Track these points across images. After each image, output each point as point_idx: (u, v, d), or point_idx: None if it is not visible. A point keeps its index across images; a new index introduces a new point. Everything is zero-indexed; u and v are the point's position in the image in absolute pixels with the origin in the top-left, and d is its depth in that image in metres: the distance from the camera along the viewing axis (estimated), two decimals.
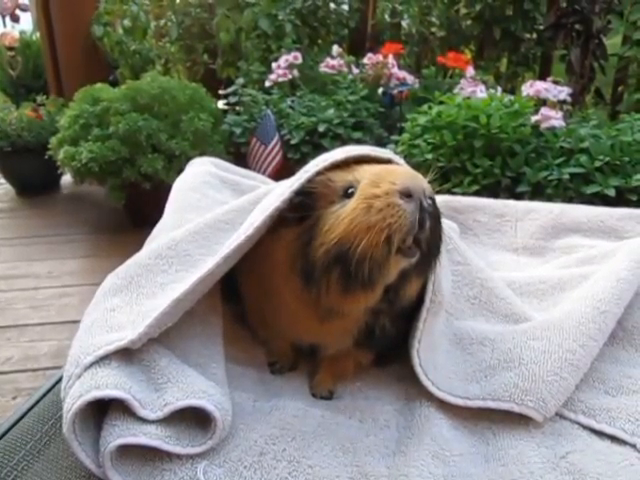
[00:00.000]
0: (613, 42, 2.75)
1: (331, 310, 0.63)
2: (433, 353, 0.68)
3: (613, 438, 0.61)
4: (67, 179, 3.39)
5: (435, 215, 0.60)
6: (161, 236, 0.81)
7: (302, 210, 0.62)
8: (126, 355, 0.59)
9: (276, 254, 0.66)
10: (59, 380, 0.70)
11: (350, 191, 0.61)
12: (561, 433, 0.62)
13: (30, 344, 1.99)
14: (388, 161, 0.66)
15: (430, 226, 0.58)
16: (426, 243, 0.59)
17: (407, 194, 0.57)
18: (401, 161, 0.68)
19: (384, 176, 0.60)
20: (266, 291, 0.70)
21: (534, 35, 2.96)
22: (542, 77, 2.62)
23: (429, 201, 0.59)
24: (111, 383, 0.54)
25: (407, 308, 0.66)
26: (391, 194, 0.57)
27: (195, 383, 0.58)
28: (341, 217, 0.59)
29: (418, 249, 0.59)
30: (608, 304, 0.69)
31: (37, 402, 0.69)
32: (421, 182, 0.59)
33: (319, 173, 0.63)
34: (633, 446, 0.59)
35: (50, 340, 2.01)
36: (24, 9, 3.67)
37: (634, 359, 0.71)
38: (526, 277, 0.86)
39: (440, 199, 1.10)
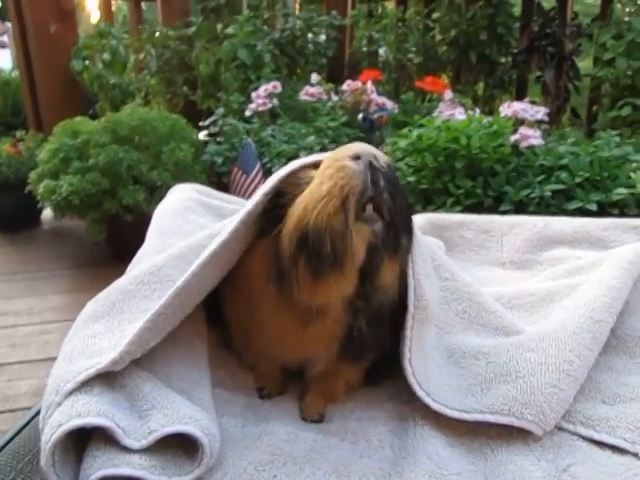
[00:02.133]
0: (585, 64, 2.82)
1: (309, 309, 0.60)
2: (425, 365, 0.66)
3: (614, 448, 0.59)
4: (47, 214, 3.34)
5: (391, 178, 0.58)
6: (143, 262, 0.79)
7: (277, 216, 0.61)
8: (108, 381, 0.57)
9: (254, 266, 0.65)
10: (36, 414, 0.67)
11: None
12: (561, 445, 0.60)
13: (8, 384, 1.93)
14: None
15: (388, 190, 0.57)
16: (388, 211, 0.57)
17: (355, 157, 0.57)
18: None
19: (338, 152, 0.60)
20: (249, 309, 0.68)
21: (509, 59, 3.02)
22: (519, 99, 2.67)
23: (383, 164, 0.58)
24: (93, 410, 0.52)
25: (387, 308, 0.63)
26: (340, 159, 0.58)
27: (181, 408, 0.56)
28: (298, 200, 0.59)
29: (380, 217, 0.57)
30: (602, 313, 0.69)
31: (12, 438, 0.65)
32: (371, 148, 0.59)
33: (289, 175, 0.63)
34: (635, 455, 0.58)
35: (30, 379, 1.95)
36: (2, 46, 3.67)
37: (629, 367, 0.70)
38: (514, 291, 0.85)
39: (424, 217, 1.10)
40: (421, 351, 0.66)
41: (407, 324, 0.64)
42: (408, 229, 0.62)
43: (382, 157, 0.59)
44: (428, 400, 0.63)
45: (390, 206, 0.58)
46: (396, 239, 0.59)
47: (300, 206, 0.58)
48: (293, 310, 0.62)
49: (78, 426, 0.51)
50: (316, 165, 0.62)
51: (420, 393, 0.64)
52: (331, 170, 0.57)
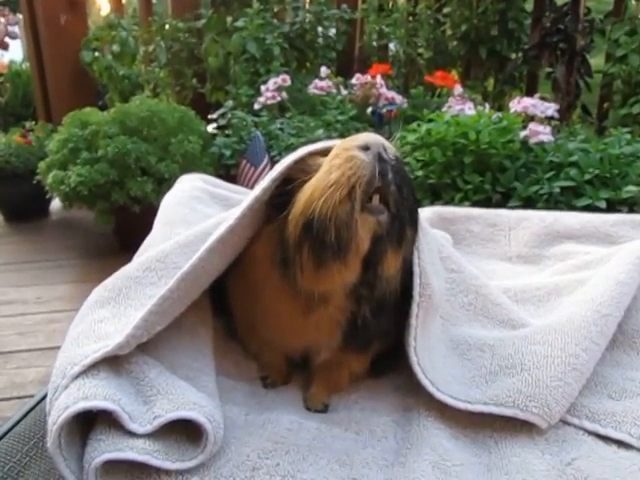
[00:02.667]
0: (597, 60, 2.80)
1: (311, 295, 0.60)
2: (430, 355, 0.66)
3: (619, 443, 0.59)
4: (56, 205, 3.36)
5: (398, 170, 0.58)
6: (150, 249, 0.79)
7: (284, 202, 0.61)
8: (114, 367, 0.57)
9: (259, 251, 0.65)
10: (42, 399, 0.68)
11: None
12: (565, 439, 0.60)
13: (16, 371, 1.95)
14: None
15: (395, 182, 0.57)
16: (394, 203, 0.57)
17: (365, 147, 0.57)
18: None
19: (347, 141, 0.59)
20: (253, 295, 0.68)
21: (520, 54, 3.00)
22: (529, 95, 2.64)
23: (391, 156, 0.57)
24: (100, 394, 0.52)
25: (390, 297, 0.62)
26: (349, 149, 0.57)
27: (186, 394, 0.56)
28: (306, 187, 0.59)
29: (386, 208, 0.57)
30: (609, 307, 0.68)
31: (18, 422, 0.66)
32: (381, 139, 0.58)
33: (297, 162, 0.62)
34: None
35: (37, 367, 1.96)
36: (14, 37, 3.67)
37: (636, 362, 0.69)
38: (522, 284, 0.85)
39: (432, 210, 1.09)
40: (426, 341, 0.65)
41: (412, 312, 0.64)
42: (413, 222, 0.62)
43: (391, 148, 0.59)
44: (432, 389, 0.63)
45: (396, 198, 0.57)
46: (401, 231, 0.59)
47: (307, 193, 0.58)
48: (296, 297, 0.61)
49: (85, 409, 0.51)
50: (324, 152, 0.62)
51: (425, 382, 0.63)
52: (339, 160, 0.57)
